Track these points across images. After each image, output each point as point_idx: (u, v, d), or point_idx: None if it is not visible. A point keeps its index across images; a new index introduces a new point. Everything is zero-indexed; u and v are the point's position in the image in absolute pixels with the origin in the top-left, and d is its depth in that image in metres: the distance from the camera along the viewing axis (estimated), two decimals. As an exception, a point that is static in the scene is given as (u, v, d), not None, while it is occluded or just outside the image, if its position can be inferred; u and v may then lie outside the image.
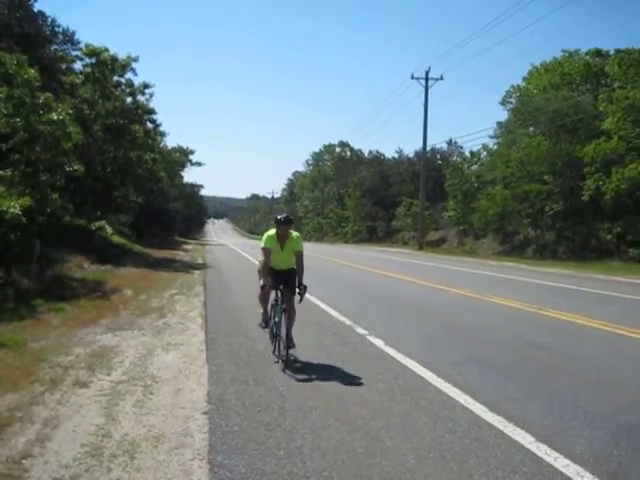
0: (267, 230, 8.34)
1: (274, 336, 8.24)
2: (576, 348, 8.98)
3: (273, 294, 8.29)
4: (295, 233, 8.16)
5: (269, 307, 8.46)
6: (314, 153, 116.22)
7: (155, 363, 7.71)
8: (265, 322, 8.63)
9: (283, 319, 7.93)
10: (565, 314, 12.11)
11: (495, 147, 48.51)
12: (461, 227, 51.34)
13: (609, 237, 34.35)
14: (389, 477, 4.30)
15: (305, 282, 7.78)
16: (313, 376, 7.00)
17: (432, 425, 5.38)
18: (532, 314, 12.32)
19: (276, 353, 8.01)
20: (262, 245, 8.00)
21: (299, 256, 7.97)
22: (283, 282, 7.97)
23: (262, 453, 4.67)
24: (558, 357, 8.34)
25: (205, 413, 5.63)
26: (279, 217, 8.07)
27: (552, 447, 4.83)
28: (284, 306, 7.92)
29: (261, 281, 8.09)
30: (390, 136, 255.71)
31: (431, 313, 12.69)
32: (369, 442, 4.95)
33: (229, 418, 5.47)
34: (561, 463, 4.53)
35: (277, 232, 8.00)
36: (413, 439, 5.05)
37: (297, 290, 7.77)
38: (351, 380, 6.85)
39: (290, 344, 7.78)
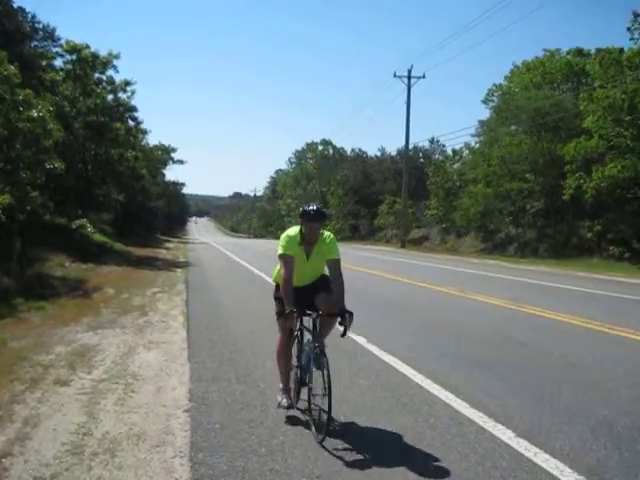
0: (287, 228, 5.84)
1: (300, 384, 5.62)
2: (557, 345, 9.04)
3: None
4: (327, 233, 5.66)
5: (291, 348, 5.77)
6: (296, 151, 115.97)
7: (136, 361, 7.67)
8: (286, 392, 5.68)
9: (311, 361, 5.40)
10: (547, 311, 12.19)
11: (477, 145, 48.76)
12: (443, 225, 51.48)
13: (590, 235, 34.58)
14: (370, 473, 4.31)
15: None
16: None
17: (414, 422, 5.41)
18: (514, 311, 12.41)
19: (306, 412, 5.51)
20: (280, 251, 5.45)
21: (335, 268, 5.51)
22: (309, 305, 5.61)
23: (244, 450, 4.67)
24: (539, 354, 8.40)
25: (187, 411, 5.62)
26: (308, 208, 5.49)
27: (532, 442, 4.87)
28: (317, 345, 5.32)
29: (279, 306, 5.60)
30: (373, 134, 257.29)
31: (413, 310, 12.73)
32: (352, 438, 4.96)
33: (211, 416, 5.46)
34: (540, 458, 4.57)
35: (302, 232, 5.51)
36: (394, 435, 5.07)
37: (337, 318, 5.33)
38: (332, 377, 6.83)
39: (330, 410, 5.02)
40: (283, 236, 5.59)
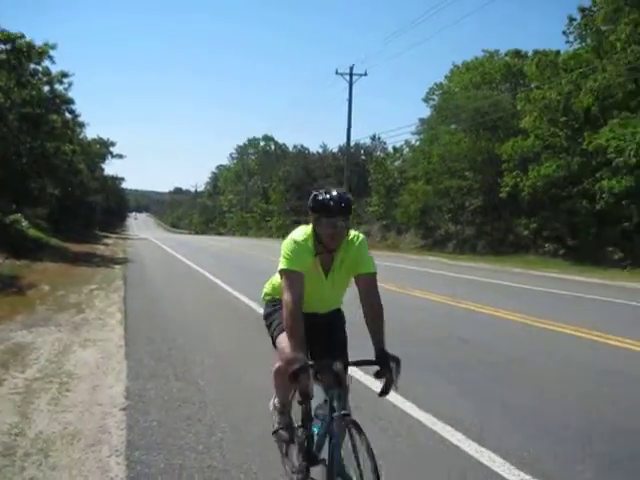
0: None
1: (307, 459, 3.87)
2: (498, 340, 9.23)
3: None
4: (355, 233, 3.90)
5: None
6: (238, 147, 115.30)
7: (72, 360, 7.51)
8: (285, 426, 4.15)
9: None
10: (486, 307, 12.42)
11: (417, 143, 49.38)
12: (384, 222, 51.96)
13: (526, 232, 35.43)
14: (312, 471, 4.31)
15: (233, 274, 6.63)
16: (234, 369, 6.98)
17: (362, 424, 5.41)
18: (453, 308, 12.60)
19: None
20: (282, 265, 3.69)
21: (371, 286, 3.88)
22: (326, 347, 4.01)
23: (181, 448, 4.62)
24: (481, 350, 8.54)
25: (123, 409, 5.53)
26: (326, 196, 3.64)
27: (481, 444, 4.84)
28: (346, 415, 3.56)
29: (283, 354, 3.73)
30: (315, 131, 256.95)
31: (353, 308, 12.77)
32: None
33: (148, 413, 5.39)
34: (486, 457, 4.59)
35: (316, 235, 3.71)
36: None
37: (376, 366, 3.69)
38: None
39: None
40: (287, 242, 3.73)
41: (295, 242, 3.69)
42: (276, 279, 4.06)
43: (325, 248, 3.68)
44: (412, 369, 7.40)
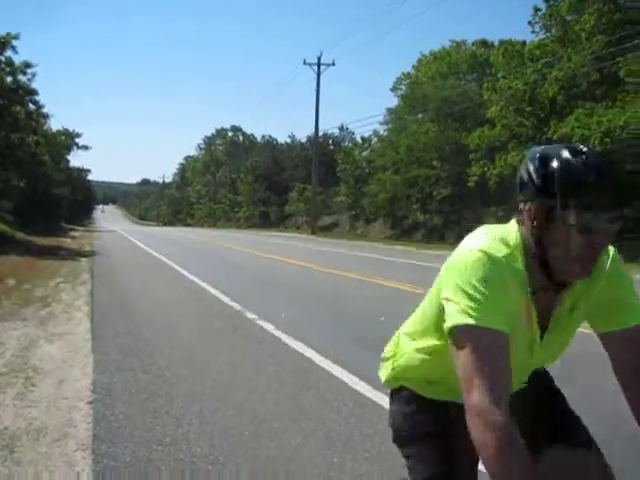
0: (482, 234, 1.97)
1: None
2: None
3: None
4: (612, 251, 1.91)
5: None
6: (206, 137, 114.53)
7: (38, 354, 7.44)
8: None
9: None
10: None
11: (385, 133, 49.57)
12: (353, 212, 52.16)
13: (494, 221, 35.79)
14: (275, 458, 4.36)
15: (201, 266, 6.96)
16: (201, 361, 6.99)
17: (319, 406, 5.48)
18: (418, 295, 12.68)
19: None
20: (459, 316, 1.66)
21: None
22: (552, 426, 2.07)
23: (148, 440, 4.62)
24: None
25: (89, 403, 5.50)
26: (591, 158, 1.68)
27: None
28: None
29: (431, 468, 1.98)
30: (283, 122, 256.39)
31: (321, 297, 12.86)
32: (256, 425, 4.99)
33: (114, 407, 5.38)
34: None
35: (541, 250, 1.76)
36: (300, 420, 5.13)
37: None
38: (240, 365, 6.87)
39: None
40: (465, 258, 1.79)
41: (490, 260, 1.76)
42: (416, 344, 2.12)
43: (555, 278, 1.80)
44: (369, 352, 7.50)
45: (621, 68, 26.65)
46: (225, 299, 11.77)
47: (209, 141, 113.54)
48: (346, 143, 66.77)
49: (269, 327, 9.00)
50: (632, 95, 25.94)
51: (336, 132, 70.30)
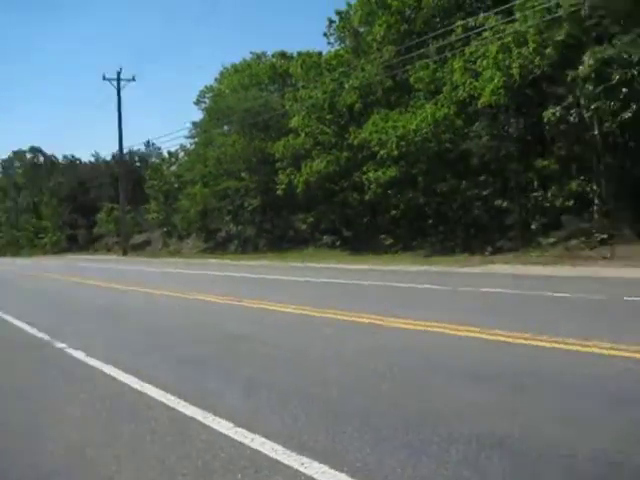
0: None
1: None
2: (274, 334, 9.31)
3: None
4: None
5: None
6: (2, 160, 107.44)
7: None
8: None
9: None
10: (265, 303, 12.53)
11: (192, 147, 49.21)
12: (165, 229, 51.23)
13: (304, 227, 36.69)
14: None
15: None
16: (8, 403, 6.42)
17: (133, 428, 5.18)
18: (231, 306, 12.60)
19: None
20: None
21: None
22: None
23: None
24: (257, 345, 8.57)
25: None
26: None
27: (250, 430, 4.86)
28: None
29: None
30: (86, 141, 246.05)
31: (134, 318, 12.38)
32: (69, 453, 4.63)
33: None
34: (257, 442, 4.59)
35: None
36: (115, 445, 4.81)
37: None
38: (51, 395, 6.38)
39: None
40: None
41: None
42: None
43: None
44: (184, 369, 7.28)
45: (410, 76, 28.30)
46: (31, 331, 10.96)
47: (6, 164, 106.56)
48: (153, 159, 65.57)
49: (80, 355, 8.48)
50: (422, 100, 27.68)
51: (142, 148, 68.89)
